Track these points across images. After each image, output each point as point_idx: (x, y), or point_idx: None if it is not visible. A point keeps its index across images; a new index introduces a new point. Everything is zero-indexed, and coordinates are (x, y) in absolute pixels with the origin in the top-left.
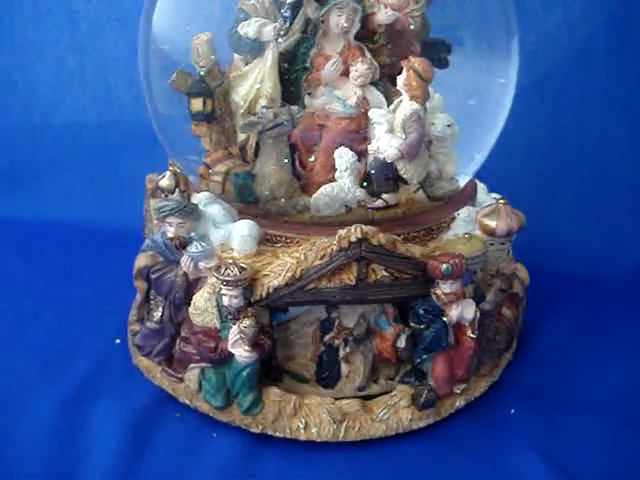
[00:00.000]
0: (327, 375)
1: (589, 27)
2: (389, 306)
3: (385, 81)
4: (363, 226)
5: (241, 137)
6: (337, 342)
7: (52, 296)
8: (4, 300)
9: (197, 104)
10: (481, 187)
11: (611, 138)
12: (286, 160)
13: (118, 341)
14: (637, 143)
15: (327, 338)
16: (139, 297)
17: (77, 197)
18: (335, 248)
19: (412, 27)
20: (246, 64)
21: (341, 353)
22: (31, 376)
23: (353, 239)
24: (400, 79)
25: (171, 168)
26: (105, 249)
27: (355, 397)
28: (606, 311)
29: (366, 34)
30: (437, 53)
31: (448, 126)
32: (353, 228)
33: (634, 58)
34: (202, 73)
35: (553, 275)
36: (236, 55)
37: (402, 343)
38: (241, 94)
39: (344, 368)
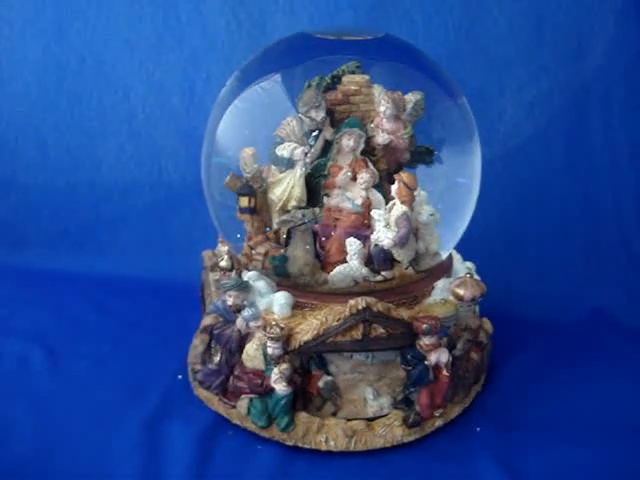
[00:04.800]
0: None
1: (549, 115)
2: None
3: (383, 182)
4: (367, 298)
5: (275, 226)
6: None
7: (123, 340)
8: (87, 344)
9: (244, 201)
10: (457, 257)
11: (567, 206)
12: (310, 247)
13: (180, 377)
14: (589, 212)
15: None
16: (200, 346)
17: (132, 254)
18: (347, 313)
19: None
20: (280, 172)
21: None
22: (118, 403)
23: (360, 307)
24: (393, 188)
25: (222, 245)
26: (159, 299)
27: (361, 419)
28: (560, 352)
29: (369, 150)
30: (423, 156)
31: (431, 215)
32: (360, 299)
33: (588, 141)
34: (248, 177)
35: (518, 322)
36: (273, 166)
37: (321, 384)
38: (277, 194)
39: None
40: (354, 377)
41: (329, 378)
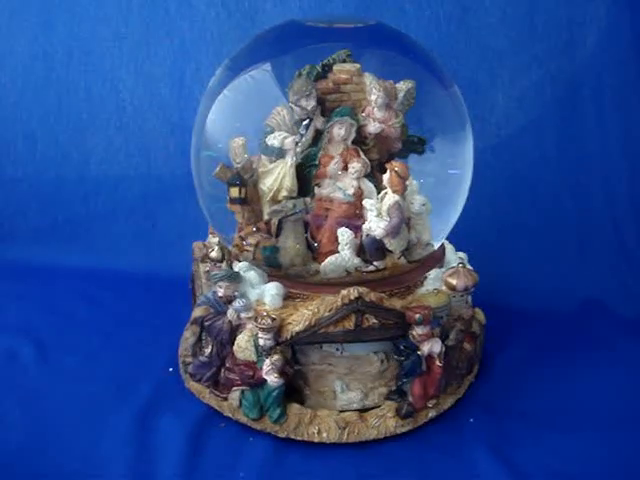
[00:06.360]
0: None
1: (540, 105)
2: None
3: (375, 172)
4: (359, 288)
5: (266, 216)
6: None
7: (113, 334)
8: (77, 338)
9: (234, 192)
10: (449, 248)
11: (559, 196)
12: (301, 237)
13: (171, 369)
14: (581, 202)
15: None
16: (191, 338)
17: (122, 247)
18: (339, 303)
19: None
20: (271, 162)
21: None
22: (108, 397)
23: (352, 297)
24: (385, 177)
25: (212, 236)
26: (150, 292)
27: (354, 410)
28: (553, 341)
29: (360, 139)
30: (414, 146)
31: (423, 205)
32: (352, 289)
33: (580, 131)
34: (238, 168)
35: (510, 312)
36: (263, 156)
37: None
38: (267, 185)
39: None
40: (323, 368)
41: (296, 367)
